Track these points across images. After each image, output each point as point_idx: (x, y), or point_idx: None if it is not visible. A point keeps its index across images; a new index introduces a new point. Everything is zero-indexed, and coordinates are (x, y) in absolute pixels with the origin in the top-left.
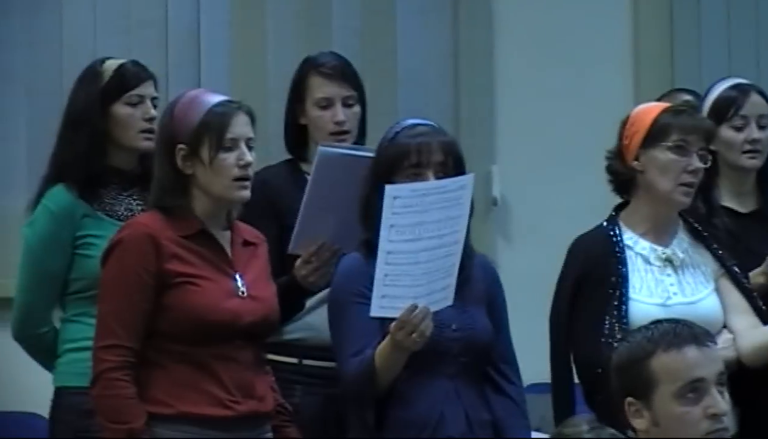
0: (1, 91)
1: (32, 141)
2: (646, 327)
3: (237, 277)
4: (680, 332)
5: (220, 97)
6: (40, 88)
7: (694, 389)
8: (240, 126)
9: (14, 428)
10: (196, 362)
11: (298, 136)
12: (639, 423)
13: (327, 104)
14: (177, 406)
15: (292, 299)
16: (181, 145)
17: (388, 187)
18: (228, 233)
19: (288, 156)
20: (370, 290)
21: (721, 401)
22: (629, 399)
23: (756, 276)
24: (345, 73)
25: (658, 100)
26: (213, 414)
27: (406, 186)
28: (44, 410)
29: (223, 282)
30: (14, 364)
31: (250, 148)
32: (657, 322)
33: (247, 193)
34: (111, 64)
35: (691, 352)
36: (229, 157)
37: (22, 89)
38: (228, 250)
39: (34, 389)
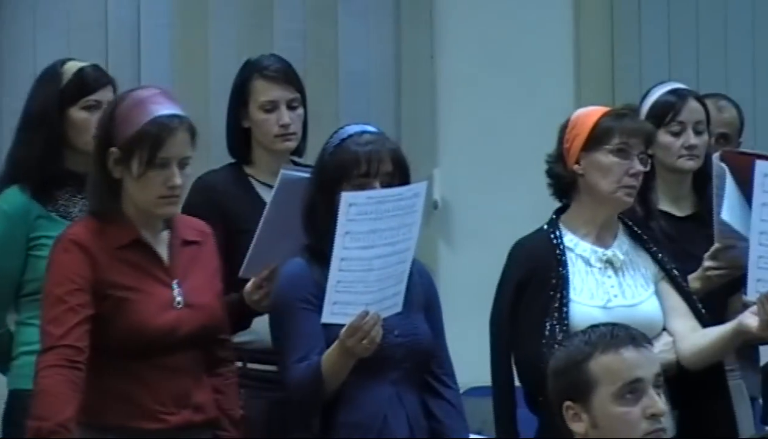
0: None
1: None
2: (582, 331)
3: (174, 285)
4: (617, 333)
5: (164, 109)
6: None
7: (633, 389)
8: (175, 146)
9: None
10: (131, 373)
11: (241, 140)
12: (577, 427)
13: (272, 107)
14: (107, 418)
15: (240, 318)
16: (114, 149)
17: (344, 195)
18: (166, 235)
19: (230, 160)
20: (315, 295)
21: (659, 402)
22: (567, 403)
23: (692, 281)
24: (288, 75)
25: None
26: (143, 427)
27: (362, 193)
28: None
29: (159, 293)
30: None
31: (184, 166)
32: (594, 326)
33: (173, 210)
34: (71, 67)
35: (629, 353)
36: (158, 176)
37: None
38: (165, 255)
39: None
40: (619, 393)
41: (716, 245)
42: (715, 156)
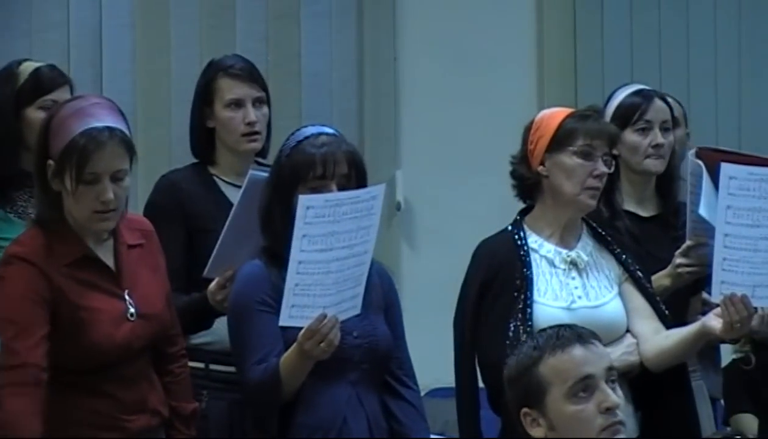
0: None
1: None
2: (531, 337)
3: (126, 296)
4: (563, 334)
5: (97, 121)
6: None
7: (585, 387)
8: (104, 161)
9: None
10: (88, 387)
11: (204, 140)
12: (536, 432)
13: (237, 105)
14: (69, 432)
15: (203, 318)
16: (50, 162)
17: (301, 198)
18: (110, 242)
19: (192, 159)
20: (272, 297)
21: (612, 395)
22: (524, 410)
23: (661, 278)
24: (253, 74)
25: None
26: (106, 438)
27: (319, 196)
28: None
29: (112, 308)
30: None
31: (119, 179)
32: (541, 330)
33: (108, 225)
34: (27, 67)
35: (577, 351)
36: (89, 192)
37: None
38: (113, 264)
39: None
40: (571, 392)
41: (688, 242)
42: (691, 153)
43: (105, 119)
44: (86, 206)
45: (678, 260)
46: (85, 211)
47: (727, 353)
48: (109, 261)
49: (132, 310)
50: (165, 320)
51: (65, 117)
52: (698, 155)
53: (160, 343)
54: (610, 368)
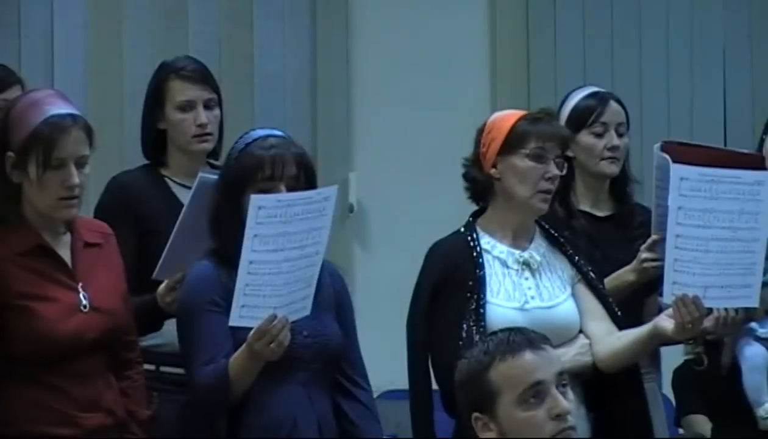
0: None
1: None
2: (482, 341)
3: (80, 289)
4: (514, 339)
5: (57, 109)
6: None
7: (536, 393)
8: (70, 145)
9: None
10: (41, 381)
11: (156, 142)
12: (488, 436)
13: (188, 107)
14: (23, 426)
15: (152, 320)
16: (10, 154)
17: (253, 197)
18: (68, 238)
19: (144, 161)
20: (221, 297)
21: (563, 401)
22: (475, 414)
23: (626, 274)
24: (205, 76)
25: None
26: (58, 433)
27: (271, 196)
28: None
29: (64, 299)
30: None
31: (82, 165)
32: (492, 333)
33: (72, 213)
34: None
35: (527, 356)
36: (55, 177)
37: None
38: (68, 259)
39: None
40: (521, 398)
41: (654, 236)
42: (656, 146)
43: (63, 108)
44: (50, 193)
45: (643, 255)
46: (50, 199)
47: (675, 355)
48: (65, 255)
49: (85, 302)
50: (120, 317)
51: (24, 109)
52: (663, 149)
53: (117, 348)
54: (561, 373)
